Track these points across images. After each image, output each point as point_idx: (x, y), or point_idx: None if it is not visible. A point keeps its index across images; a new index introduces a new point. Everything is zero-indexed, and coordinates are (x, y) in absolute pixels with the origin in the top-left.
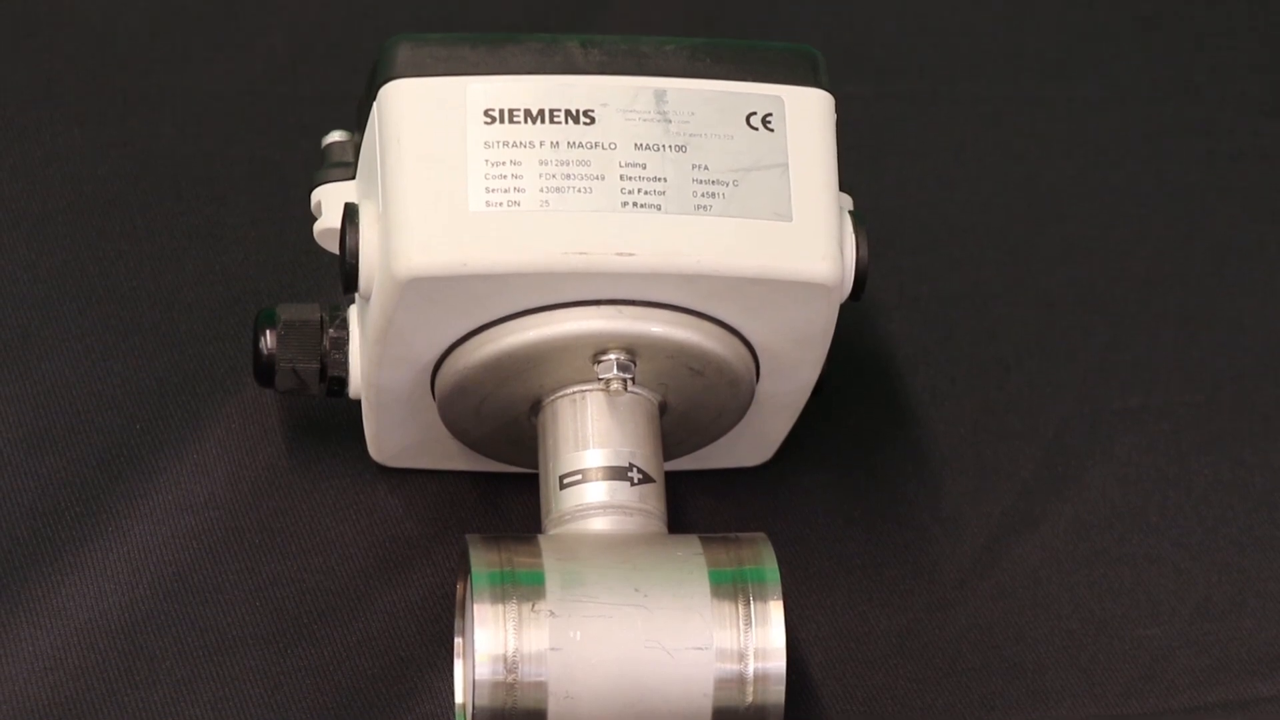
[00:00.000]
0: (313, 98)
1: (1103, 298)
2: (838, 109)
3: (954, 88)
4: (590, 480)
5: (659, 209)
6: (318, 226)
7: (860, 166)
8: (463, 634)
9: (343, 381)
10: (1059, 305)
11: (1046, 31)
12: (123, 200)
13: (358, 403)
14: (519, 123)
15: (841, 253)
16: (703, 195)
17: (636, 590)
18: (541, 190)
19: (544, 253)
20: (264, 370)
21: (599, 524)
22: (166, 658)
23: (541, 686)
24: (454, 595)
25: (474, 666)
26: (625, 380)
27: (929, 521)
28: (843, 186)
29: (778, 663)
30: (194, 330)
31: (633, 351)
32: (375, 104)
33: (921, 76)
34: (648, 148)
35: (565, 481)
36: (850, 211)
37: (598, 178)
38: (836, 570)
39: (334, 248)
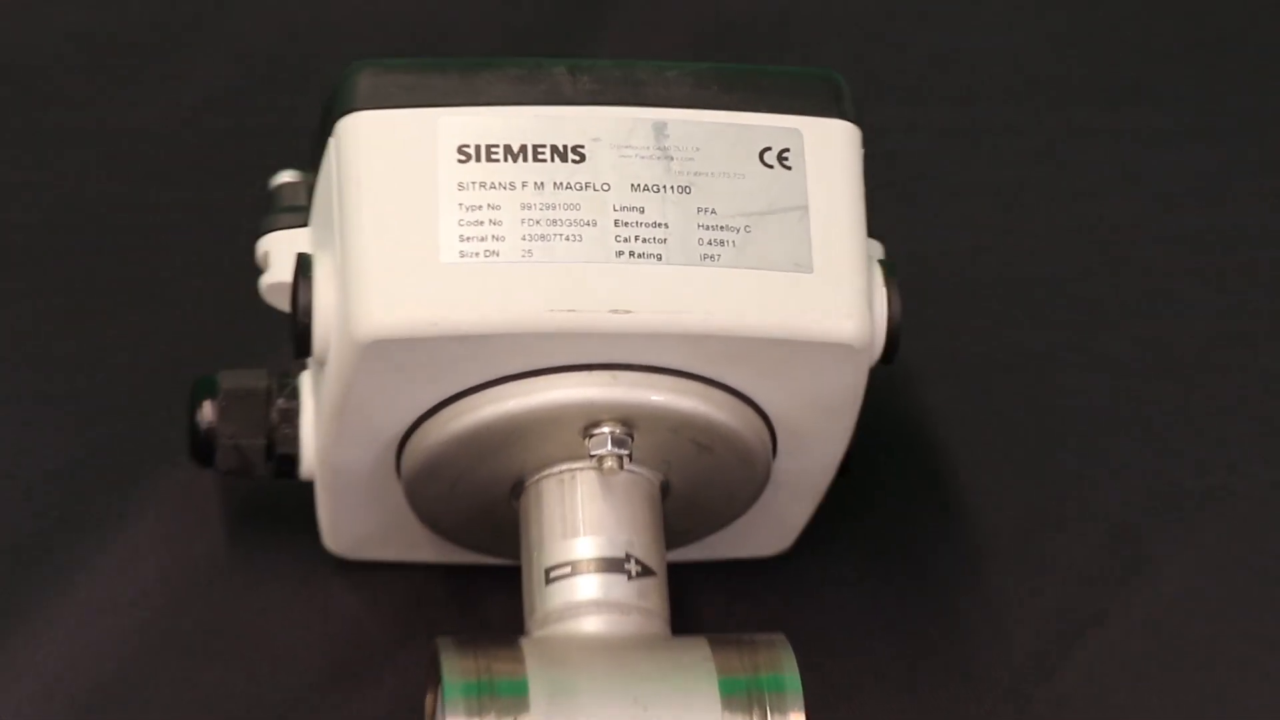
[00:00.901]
0: (260, 132)
1: (1173, 359)
2: (865, 142)
3: (997, 116)
4: (581, 573)
5: (659, 259)
6: (265, 280)
7: (891, 208)
8: None
9: (293, 460)
10: (1124, 368)
11: (1101, 52)
12: (40, 250)
13: (310, 485)
14: (497, 161)
15: (870, 308)
16: (710, 243)
17: (636, 702)
18: (524, 238)
19: (527, 310)
20: (202, 447)
21: (591, 624)
22: None
23: None
24: (423, 709)
25: None
26: (621, 457)
27: (975, 621)
28: (872, 232)
29: None
30: (121, 401)
31: (630, 424)
32: (332, 139)
33: (960, 104)
34: (646, 189)
35: (552, 575)
36: (880, 261)
37: (589, 224)
38: (867, 678)
39: (284, 305)
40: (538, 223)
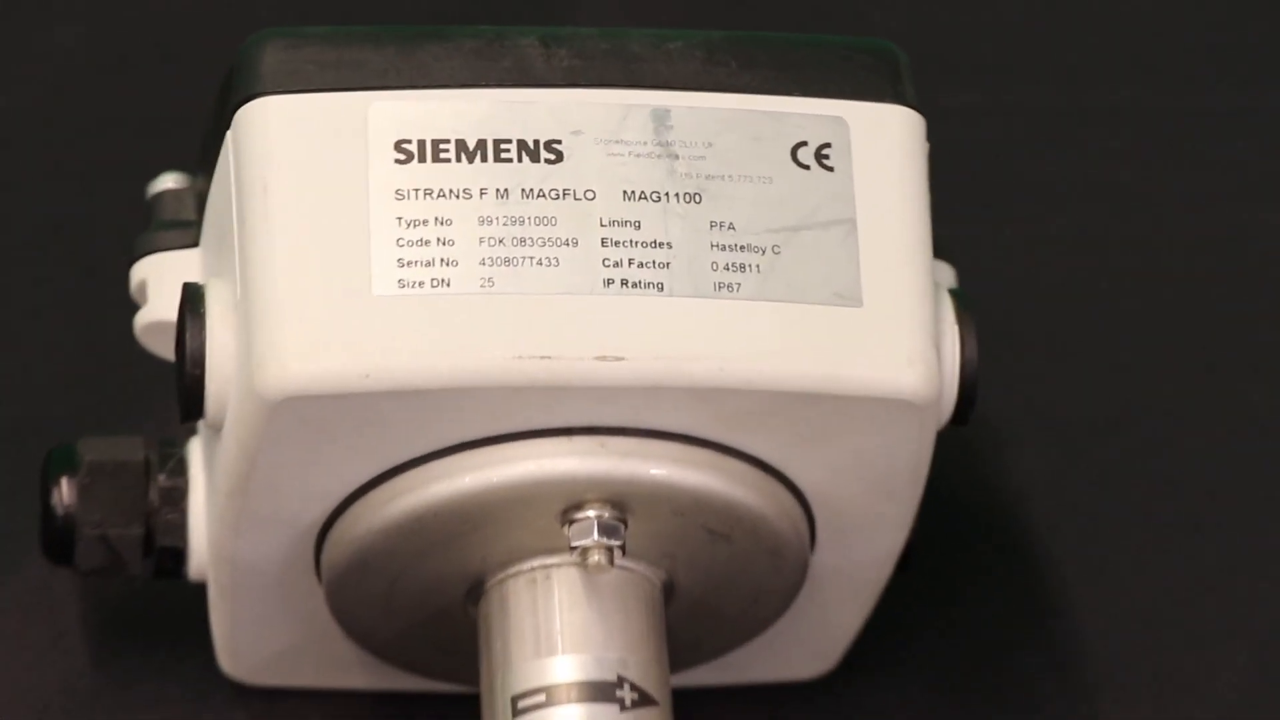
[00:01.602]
0: (132, 125)
1: None
2: (931, 133)
3: (1101, 97)
4: (559, 703)
5: (660, 290)
6: (141, 319)
7: (965, 219)
8: None
9: (179, 555)
10: (1270, 432)
11: (1225, 18)
12: None
13: (202, 588)
14: (448, 161)
15: (938, 353)
16: (726, 269)
17: None
18: (483, 263)
19: (486, 358)
20: (58, 539)
21: None
22: None
23: None
24: None
25: None
26: (611, 549)
27: None
28: (939, 251)
29: None
30: None
31: (622, 505)
32: (230, 133)
33: (1054, 82)
34: (643, 197)
35: (521, 705)
36: (951, 290)
37: (568, 243)
38: None
39: (167, 351)
40: (501, 242)
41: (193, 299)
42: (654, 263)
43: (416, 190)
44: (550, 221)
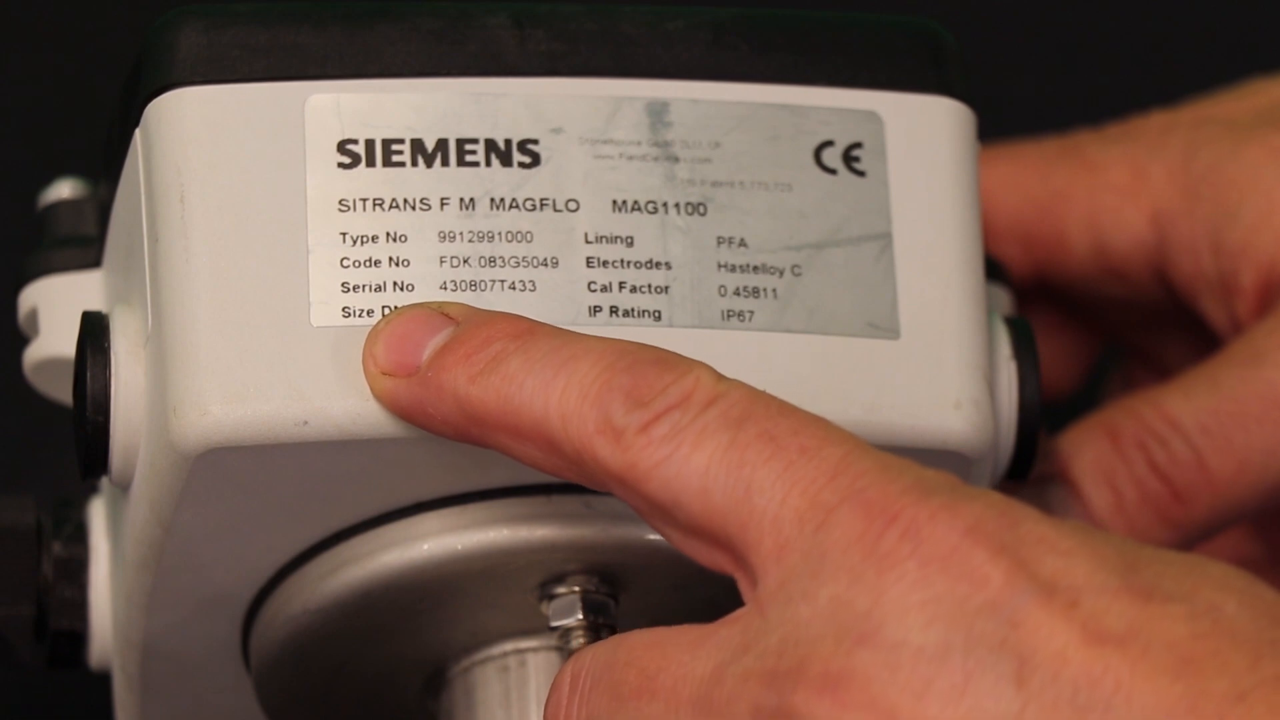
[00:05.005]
0: (18, 123)
1: None
2: (984, 129)
3: (1180, 82)
4: None
5: (657, 319)
6: (32, 354)
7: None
8: None
9: (78, 640)
10: None
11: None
12: None
13: (105, 679)
14: (401, 165)
15: (991, 393)
16: (737, 293)
17: None
18: (444, 287)
19: None
20: None
21: None
22: None
23: None
24: None
25: None
26: (599, 629)
27: None
28: (992, 272)
29: None
30: None
31: (612, 578)
32: (139, 132)
33: (1124, 71)
34: (637, 208)
35: None
36: (1007, 319)
37: (546, 263)
38: None
39: (64, 393)
40: (466, 263)
41: (94, 330)
42: (650, 286)
43: (364, 200)
44: (525, 238)
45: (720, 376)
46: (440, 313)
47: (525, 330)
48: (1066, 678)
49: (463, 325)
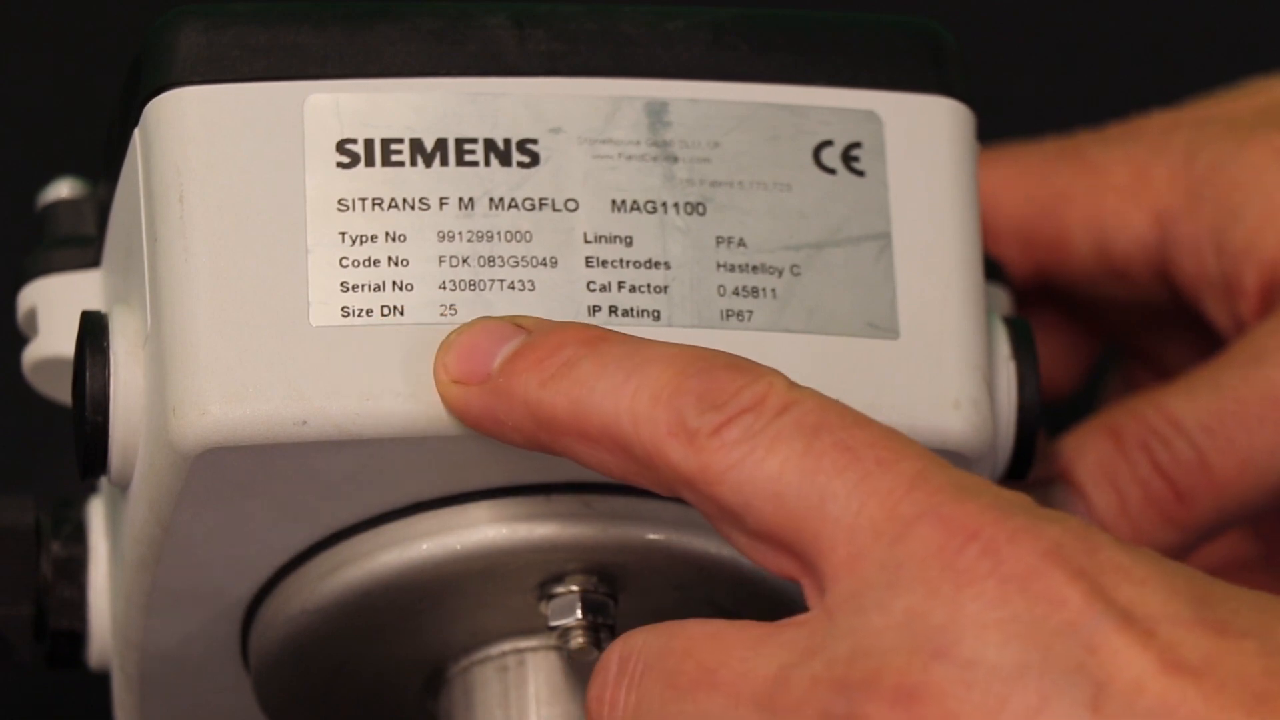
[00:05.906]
0: (18, 122)
1: None
2: (982, 129)
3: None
4: None
5: (656, 319)
6: (31, 354)
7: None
8: None
9: (77, 639)
10: None
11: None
12: None
13: (104, 679)
14: (401, 164)
15: (990, 393)
16: (736, 293)
17: None
18: (443, 287)
19: None
20: None
21: None
22: None
23: None
24: None
25: None
26: (598, 629)
27: None
28: (992, 271)
29: None
30: None
31: (611, 578)
32: (138, 132)
33: (1128, 69)
34: (636, 208)
35: None
36: (1006, 319)
37: (545, 263)
38: None
39: (63, 393)
40: (465, 262)
41: (93, 330)
42: (649, 286)
43: (363, 200)
44: (524, 237)
45: (793, 383)
46: (512, 323)
47: (597, 336)
48: (1142, 707)
49: (534, 333)
